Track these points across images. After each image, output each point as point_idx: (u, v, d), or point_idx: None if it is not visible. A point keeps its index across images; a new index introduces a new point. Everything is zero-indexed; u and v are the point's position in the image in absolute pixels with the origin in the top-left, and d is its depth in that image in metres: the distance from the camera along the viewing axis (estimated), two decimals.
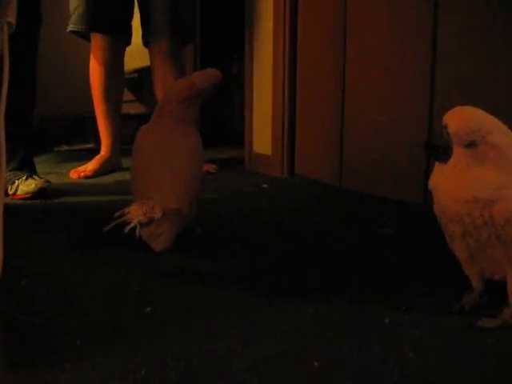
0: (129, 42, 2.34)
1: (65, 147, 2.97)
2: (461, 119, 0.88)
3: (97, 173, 2.21)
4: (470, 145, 0.87)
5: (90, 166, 2.23)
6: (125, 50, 2.33)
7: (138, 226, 1.16)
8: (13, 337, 0.86)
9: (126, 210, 1.19)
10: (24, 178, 1.81)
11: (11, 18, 1.05)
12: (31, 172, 1.87)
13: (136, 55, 2.57)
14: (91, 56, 2.29)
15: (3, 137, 0.89)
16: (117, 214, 1.19)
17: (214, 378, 0.75)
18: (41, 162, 2.58)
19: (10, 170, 1.82)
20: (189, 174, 1.31)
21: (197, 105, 1.43)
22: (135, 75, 3.14)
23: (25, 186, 1.79)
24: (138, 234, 1.15)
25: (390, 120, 1.80)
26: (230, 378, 0.75)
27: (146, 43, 2.27)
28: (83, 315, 0.95)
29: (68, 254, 1.27)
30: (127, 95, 2.95)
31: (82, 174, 2.18)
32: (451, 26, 1.59)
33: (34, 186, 1.79)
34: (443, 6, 1.61)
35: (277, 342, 0.85)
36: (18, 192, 1.79)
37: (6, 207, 0.84)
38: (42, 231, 1.45)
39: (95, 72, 2.28)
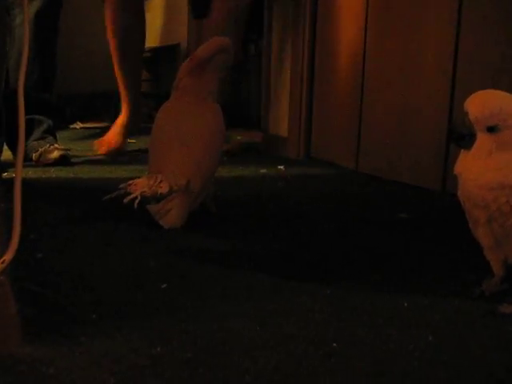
0: None
1: (80, 124, 2.97)
2: (480, 104, 0.85)
3: (121, 144, 2.20)
4: (493, 129, 0.85)
5: (112, 135, 2.21)
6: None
7: (139, 197, 1.15)
8: (28, 309, 0.85)
9: (131, 182, 1.18)
10: (47, 146, 1.99)
11: None
12: (53, 141, 2.06)
13: (151, 33, 2.55)
14: (107, 19, 2.18)
15: (23, 108, 0.88)
16: (122, 185, 1.18)
17: (229, 357, 0.74)
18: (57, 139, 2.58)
19: (33, 140, 2.02)
20: (202, 150, 1.28)
21: (210, 77, 1.34)
22: (148, 54, 3.12)
23: (48, 153, 1.97)
24: (136, 205, 1.14)
25: (409, 105, 1.77)
26: (246, 357, 0.74)
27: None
28: (98, 290, 0.94)
29: (83, 229, 1.27)
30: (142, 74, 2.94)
31: (107, 147, 2.16)
32: (475, 17, 1.56)
33: (55, 153, 1.96)
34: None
35: (293, 322, 0.84)
36: (41, 159, 1.96)
37: (23, 181, 0.83)
38: (58, 205, 1.46)
39: (112, 30, 2.18)
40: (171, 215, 1.23)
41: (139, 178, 1.21)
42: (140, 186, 1.18)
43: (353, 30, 1.96)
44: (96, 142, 2.18)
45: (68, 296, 0.91)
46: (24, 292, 0.90)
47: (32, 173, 1.84)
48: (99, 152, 2.14)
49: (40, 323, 0.82)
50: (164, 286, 0.96)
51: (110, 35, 2.19)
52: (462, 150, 0.89)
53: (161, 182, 1.19)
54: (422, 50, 1.72)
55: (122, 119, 2.26)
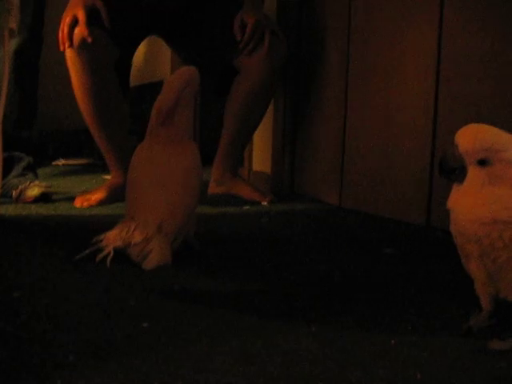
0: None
1: (62, 161, 2.94)
2: (471, 137, 0.85)
3: (103, 202, 1.90)
4: (484, 163, 0.84)
5: (96, 195, 1.91)
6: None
7: (112, 253, 1.15)
8: (2, 351, 0.82)
9: (102, 236, 1.18)
10: (27, 183, 1.95)
11: (13, 24, 1.05)
12: (34, 178, 2.02)
13: (134, 71, 2.55)
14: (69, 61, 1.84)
15: (0, 143, 0.87)
16: (94, 240, 1.19)
17: None
18: (39, 176, 2.56)
19: (14, 177, 1.98)
20: (176, 191, 1.26)
21: (181, 117, 1.31)
22: (133, 92, 3.13)
23: (28, 190, 1.92)
24: (108, 263, 1.14)
25: (391, 140, 1.78)
26: None
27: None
28: (76, 330, 0.91)
29: (62, 267, 1.24)
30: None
31: (86, 203, 1.89)
32: (455, 46, 1.58)
33: (36, 190, 1.92)
34: (447, 26, 1.60)
35: (278, 362, 0.82)
36: (22, 196, 1.91)
37: (1, 218, 0.81)
38: (37, 243, 1.42)
39: (78, 76, 1.83)
40: (152, 257, 1.20)
41: (111, 229, 1.20)
42: (112, 239, 1.17)
43: (335, 67, 1.98)
44: (77, 196, 1.94)
45: (45, 337, 0.88)
46: None
47: (11, 210, 1.81)
48: (75, 204, 1.90)
49: (15, 366, 0.79)
50: (145, 325, 0.93)
51: (78, 89, 1.86)
52: (454, 184, 0.89)
53: (134, 230, 1.18)
54: (403, 87, 1.74)
55: (110, 181, 1.99)
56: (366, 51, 1.86)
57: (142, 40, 2.10)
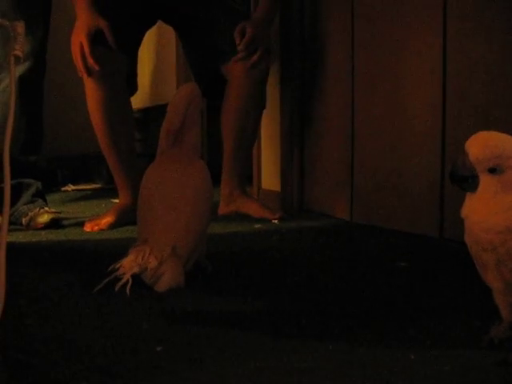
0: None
1: (72, 187, 2.95)
2: (481, 145, 0.84)
3: (113, 225, 1.89)
4: (494, 171, 0.83)
5: (106, 219, 1.90)
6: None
7: (130, 280, 1.14)
8: (15, 380, 0.81)
9: (119, 264, 1.17)
10: (37, 210, 1.94)
11: (18, 51, 1.05)
12: (43, 204, 2.01)
13: (140, 94, 2.56)
14: (87, 89, 1.93)
15: (8, 170, 0.86)
16: (110, 268, 1.17)
17: None
18: (48, 202, 2.56)
19: (23, 204, 1.97)
20: (188, 213, 1.26)
21: (189, 135, 1.31)
22: (137, 115, 3.14)
23: (38, 217, 1.92)
24: (128, 291, 1.13)
25: (401, 151, 1.77)
26: None
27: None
28: (89, 356, 0.90)
29: (73, 293, 1.23)
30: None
31: (96, 227, 1.87)
32: (462, 53, 1.58)
33: (46, 216, 1.92)
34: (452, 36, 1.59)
35: (295, 381, 0.80)
36: (32, 223, 1.91)
37: (12, 245, 0.80)
38: (49, 269, 1.41)
39: (94, 110, 1.92)
40: (164, 280, 1.20)
41: (126, 256, 1.19)
42: (128, 266, 1.16)
43: (341, 82, 1.98)
44: (86, 221, 1.93)
45: (57, 364, 0.86)
46: (11, 361, 0.86)
47: (22, 237, 1.80)
48: (85, 229, 1.89)
49: None
50: (159, 348, 0.92)
51: (93, 110, 1.94)
52: (468, 193, 0.87)
53: (149, 255, 1.18)
54: (410, 99, 1.73)
55: (119, 204, 2.00)
56: (370, 62, 1.85)
57: (146, 30, 2.09)
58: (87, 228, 1.88)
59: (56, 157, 3.18)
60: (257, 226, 1.93)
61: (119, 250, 1.24)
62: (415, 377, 0.80)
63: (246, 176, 2.65)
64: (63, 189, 2.95)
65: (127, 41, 1.93)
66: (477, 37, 1.53)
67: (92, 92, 1.91)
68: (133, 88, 2.05)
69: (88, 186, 3.00)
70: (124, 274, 1.15)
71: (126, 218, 1.89)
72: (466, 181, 0.85)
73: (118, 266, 1.17)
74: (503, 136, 0.85)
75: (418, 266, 1.39)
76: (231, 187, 2.05)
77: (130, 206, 1.90)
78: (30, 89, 1.95)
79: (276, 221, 1.97)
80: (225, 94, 2.02)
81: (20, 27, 1.00)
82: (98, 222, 1.89)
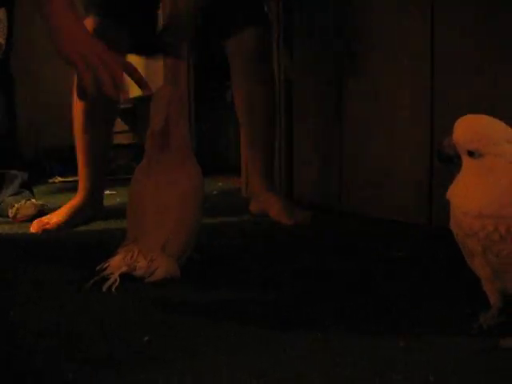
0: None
1: (59, 179, 2.92)
2: (464, 127, 0.84)
3: (62, 226, 1.73)
4: (473, 154, 0.83)
5: (56, 218, 1.75)
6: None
7: (118, 280, 1.14)
8: (2, 373, 0.80)
9: (107, 264, 1.17)
10: (23, 201, 1.91)
11: (1, 39, 1.03)
12: (30, 196, 1.98)
13: (130, 83, 2.54)
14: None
15: None
16: (98, 268, 1.17)
17: None
18: (35, 194, 2.53)
19: (9, 195, 1.94)
20: (178, 214, 1.25)
21: (176, 131, 1.28)
22: (129, 105, 3.11)
23: (24, 209, 1.89)
24: (114, 290, 1.12)
25: (391, 141, 1.77)
26: None
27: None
28: (77, 346, 0.89)
29: (62, 285, 1.22)
30: (120, 126, 2.91)
31: (42, 227, 1.72)
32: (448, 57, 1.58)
33: (33, 208, 1.89)
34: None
35: (289, 372, 0.79)
36: (18, 215, 1.88)
37: None
38: (34, 261, 1.40)
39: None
40: (157, 274, 1.19)
41: (114, 255, 1.19)
42: (117, 266, 1.16)
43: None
44: (35, 221, 1.76)
45: (44, 354, 0.86)
46: None
47: (8, 229, 1.78)
48: (32, 230, 1.73)
49: None
50: (151, 339, 0.90)
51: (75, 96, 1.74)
52: (457, 174, 0.87)
53: (138, 255, 1.18)
54: (399, 87, 1.73)
55: (74, 199, 1.84)
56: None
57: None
58: (33, 228, 1.73)
59: (44, 148, 3.15)
60: (246, 217, 1.91)
61: (107, 240, 1.23)
62: (406, 364, 0.80)
63: (233, 166, 2.65)
64: (51, 180, 2.92)
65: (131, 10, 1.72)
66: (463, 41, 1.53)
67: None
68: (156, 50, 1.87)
69: (76, 178, 2.97)
70: (112, 273, 1.15)
71: (77, 218, 1.78)
72: (452, 161, 0.85)
73: (105, 265, 1.17)
74: (491, 121, 0.85)
75: (409, 253, 1.39)
76: (256, 182, 1.92)
77: (85, 203, 1.81)
78: (2, 73, 1.89)
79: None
80: (231, 79, 1.89)
81: (1, 13, 0.98)
82: (47, 222, 1.75)
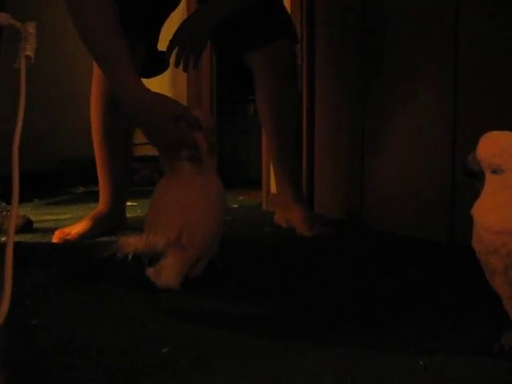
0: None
1: (81, 189, 2.95)
2: (487, 143, 0.84)
3: (85, 236, 1.71)
4: (496, 171, 0.82)
5: (77, 229, 1.73)
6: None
7: (130, 256, 1.12)
8: (20, 380, 0.80)
9: (124, 239, 1.15)
10: (4, 213, 1.86)
11: (30, 51, 1.04)
12: (6, 207, 1.89)
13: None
14: (92, 83, 1.80)
15: (17, 172, 0.86)
16: (113, 243, 1.14)
17: None
18: (57, 204, 2.57)
19: None
20: (196, 211, 1.25)
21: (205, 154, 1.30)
22: None
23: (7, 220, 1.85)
24: (130, 258, 1.11)
25: (411, 156, 1.76)
26: None
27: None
28: (95, 356, 0.89)
29: (79, 294, 1.23)
30: (141, 137, 2.92)
31: (64, 237, 1.70)
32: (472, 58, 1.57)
33: (20, 219, 1.85)
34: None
35: None
36: (4, 226, 1.80)
37: (16, 246, 0.79)
38: (54, 271, 1.41)
39: (95, 104, 1.80)
40: (164, 274, 1.20)
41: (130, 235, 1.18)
42: (133, 243, 1.15)
43: (351, 84, 1.98)
44: (57, 230, 1.75)
45: (63, 364, 0.86)
46: (16, 361, 0.86)
47: (30, 237, 1.80)
48: (53, 240, 1.71)
49: None
50: (165, 350, 0.91)
51: (93, 107, 1.82)
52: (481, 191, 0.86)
53: (155, 236, 1.17)
54: (420, 98, 1.72)
55: (96, 211, 1.83)
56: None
57: (169, 12, 1.83)
58: (55, 239, 1.71)
59: (66, 159, 3.19)
60: (266, 229, 1.92)
61: None
62: (424, 382, 0.79)
63: (254, 180, 2.65)
64: (73, 191, 2.95)
65: (147, 23, 1.73)
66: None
67: (97, 87, 1.78)
68: (162, 66, 1.81)
69: (97, 188, 2.99)
70: (127, 248, 1.13)
71: (99, 229, 1.75)
72: (476, 176, 0.85)
73: (123, 241, 1.14)
74: None
75: (428, 271, 1.38)
76: (282, 193, 1.91)
77: (107, 214, 1.79)
78: None
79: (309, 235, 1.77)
80: (254, 87, 1.87)
81: (31, 27, 1.00)
82: (68, 232, 1.72)
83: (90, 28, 1.38)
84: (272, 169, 2.29)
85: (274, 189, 2.38)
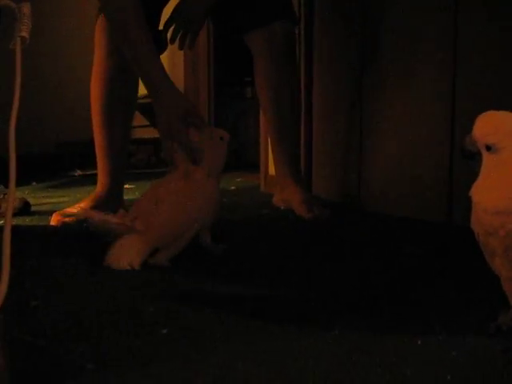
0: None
1: (79, 172, 2.95)
2: (482, 122, 0.84)
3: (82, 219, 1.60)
4: (489, 149, 0.82)
5: (75, 211, 1.70)
6: None
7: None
8: (20, 361, 0.81)
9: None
10: (1, 195, 1.90)
11: (25, 33, 1.03)
12: (3, 189, 1.98)
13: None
14: (94, 63, 1.78)
15: (14, 153, 0.85)
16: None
17: None
18: (55, 187, 2.57)
19: None
20: (171, 208, 1.29)
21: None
22: (149, 100, 3.12)
23: (5, 202, 1.86)
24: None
25: (410, 138, 1.75)
26: None
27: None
28: (95, 338, 0.90)
29: (78, 275, 1.23)
30: (139, 120, 2.92)
31: (61, 220, 1.69)
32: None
33: (18, 201, 1.89)
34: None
35: (302, 366, 0.79)
36: (2, 209, 1.83)
37: (14, 228, 0.79)
38: (52, 252, 1.41)
39: (96, 85, 1.78)
40: (117, 253, 1.24)
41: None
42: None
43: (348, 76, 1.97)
44: (55, 213, 1.74)
45: (63, 345, 0.87)
46: (16, 343, 0.86)
47: (28, 221, 1.80)
48: (51, 223, 1.71)
49: (33, 375, 0.77)
50: (164, 331, 0.91)
51: (95, 77, 1.79)
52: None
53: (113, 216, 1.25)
54: (420, 80, 1.71)
55: (94, 194, 1.81)
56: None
57: None
58: (53, 221, 1.70)
59: (64, 142, 3.18)
60: (264, 211, 1.92)
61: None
62: (422, 362, 0.79)
63: (252, 162, 2.65)
64: (70, 174, 2.95)
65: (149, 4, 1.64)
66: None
67: (98, 67, 1.77)
68: (161, 46, 1.74)
69: (95, 171, 2.99)
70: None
71: (99, 210, 1.68)
72: (474, 157, 0.85)
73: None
74: (510, 116, 0.84)
75: (428, 251, 1.38)
76: (281, 174, 1.91)
77: (101, 200, 1.76)
78: None
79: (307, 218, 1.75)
80: (253, 69, 1.86)
81: (26, 8, 0.99)
82: (65, 214, 1.72)
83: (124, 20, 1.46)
84: (270, 151, 2.29)
85: (272, 171, 2.37)
